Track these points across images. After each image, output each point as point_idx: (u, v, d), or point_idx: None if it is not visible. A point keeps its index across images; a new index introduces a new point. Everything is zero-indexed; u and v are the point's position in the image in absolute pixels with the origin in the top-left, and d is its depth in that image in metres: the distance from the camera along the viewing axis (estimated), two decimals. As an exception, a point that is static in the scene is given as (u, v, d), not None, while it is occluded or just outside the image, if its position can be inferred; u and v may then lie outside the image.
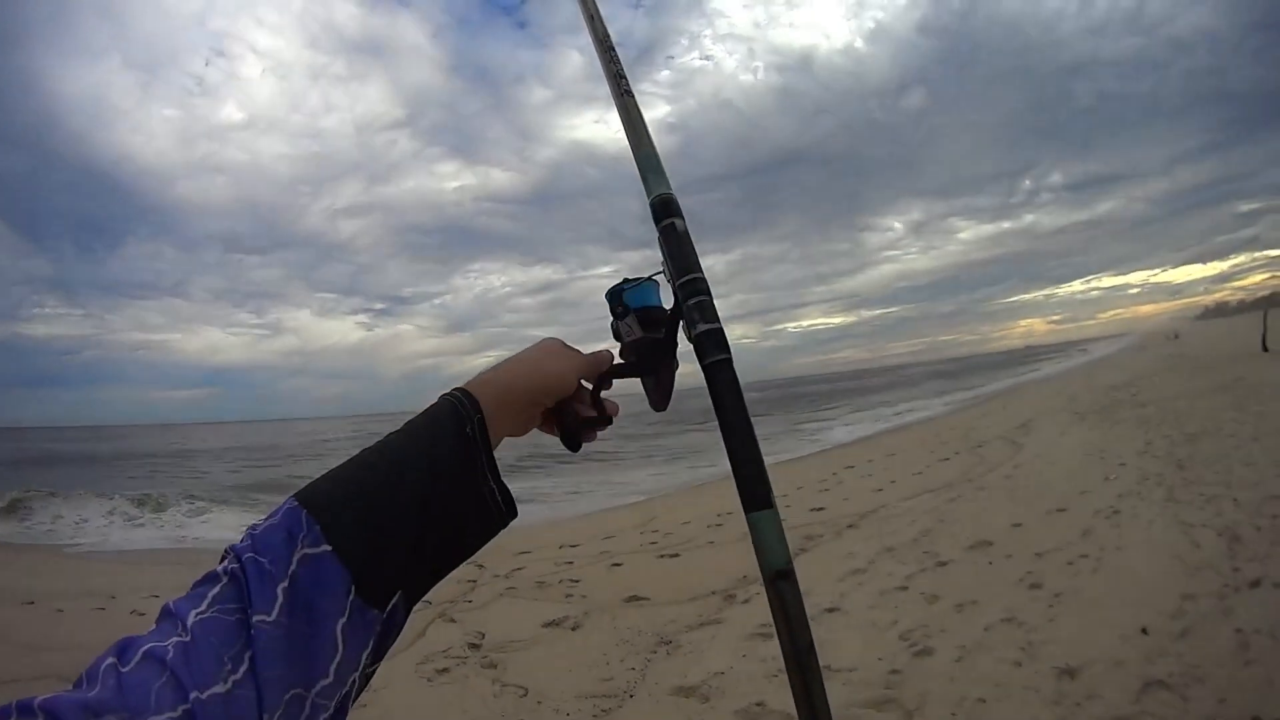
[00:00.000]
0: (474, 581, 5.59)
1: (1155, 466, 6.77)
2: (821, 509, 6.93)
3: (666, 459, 16.56)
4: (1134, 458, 7.31)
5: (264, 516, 0.51)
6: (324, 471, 0.54)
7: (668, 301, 0.76)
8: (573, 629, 4.36)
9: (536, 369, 0.66)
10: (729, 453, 0.63)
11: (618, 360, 0.79)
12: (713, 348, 0.67)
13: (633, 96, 0.94)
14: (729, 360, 0.66)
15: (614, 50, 1.01)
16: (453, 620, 4.71)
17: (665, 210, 0.80)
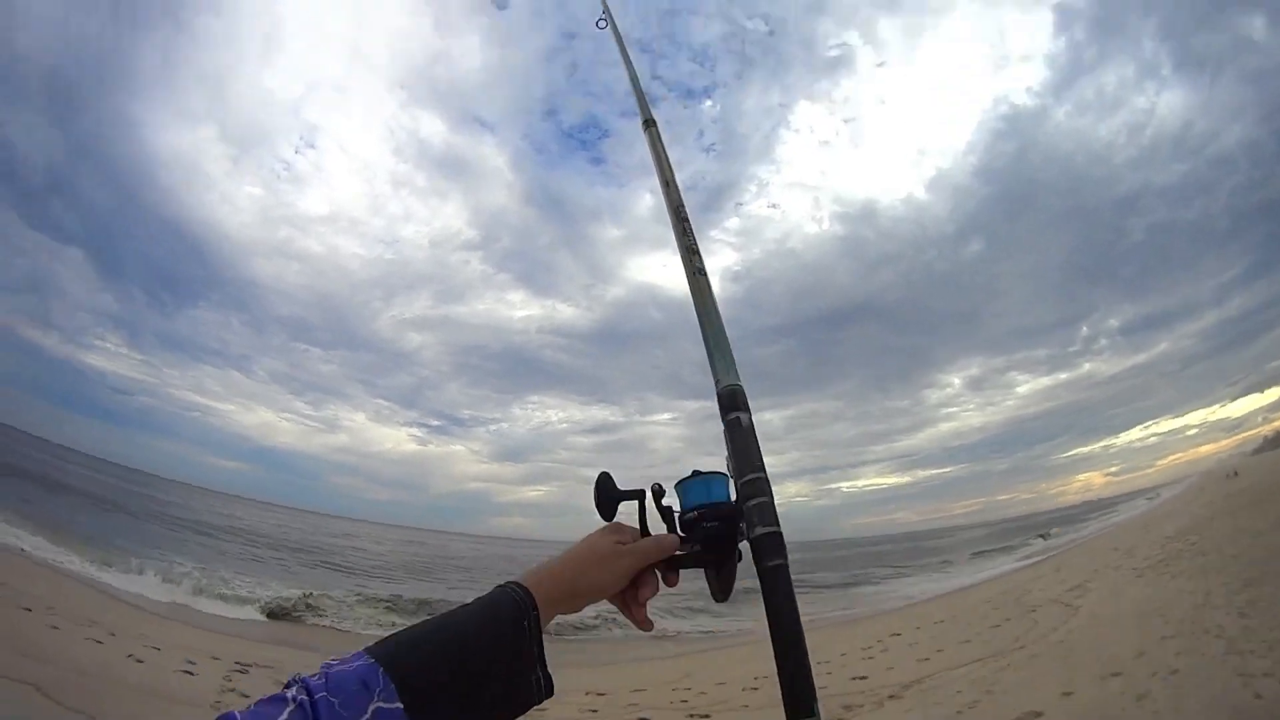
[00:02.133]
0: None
1: (1216, 618, 6.40)
2: (864, 677, 6.59)
3: (712, 614, 15.70)
4: (1193, 611, 6.91)
5: (337, 659, 0.60)
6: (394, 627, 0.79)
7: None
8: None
9: (586, 572, 0.73)
10: (776, 657, 0.67)
11: (681, 550, 0.82)
12: (771, 551, 0.69)
13: (705, 276, 1.03)
14: (785, 566, 0.69)
15: (688, 223, 1.14)
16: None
17: (732, 403, 0.82)
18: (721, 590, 0.80)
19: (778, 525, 0.69)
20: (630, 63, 2.05)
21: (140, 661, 5.29)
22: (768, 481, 0.71)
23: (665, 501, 0.83)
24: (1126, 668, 5.49)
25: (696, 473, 0.80)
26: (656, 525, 0.82)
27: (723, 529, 0.77)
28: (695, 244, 1.06)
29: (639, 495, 0.83)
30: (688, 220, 1.11)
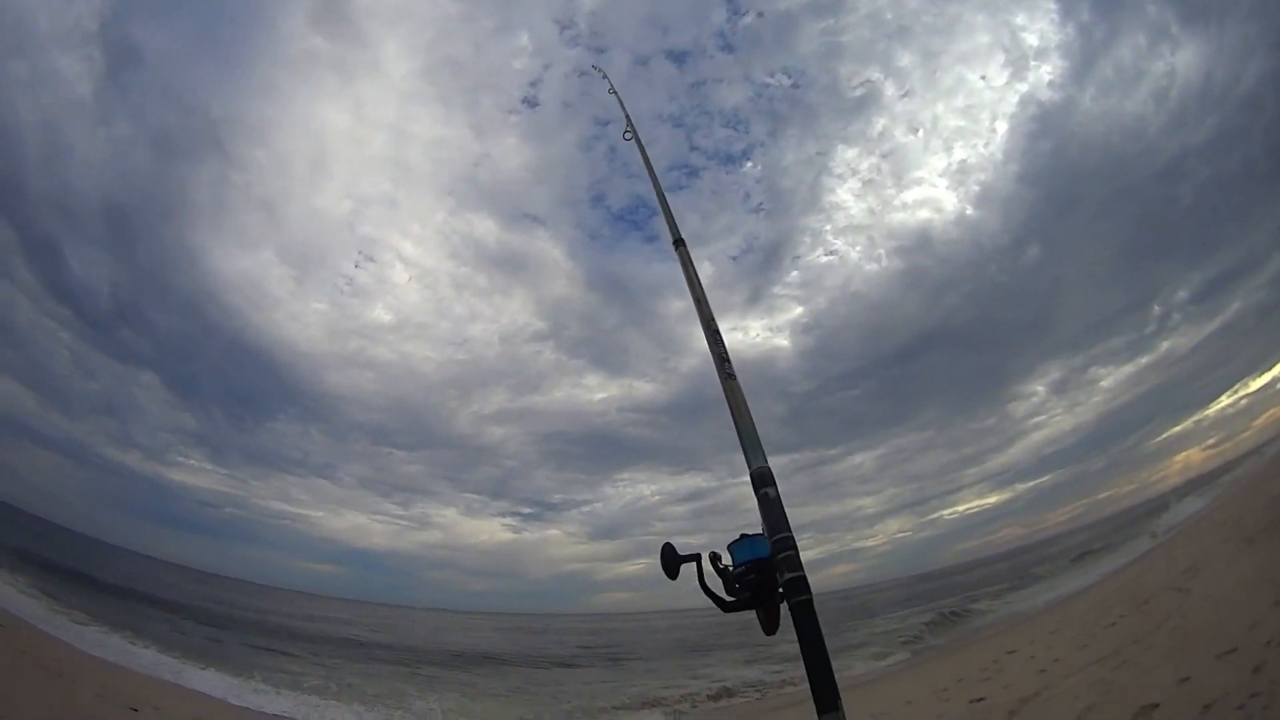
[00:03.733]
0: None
1: (1325, 580, 6.32)
2: (982, 699, 6.65)
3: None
4: (1302, 576, 6.80)
5: None
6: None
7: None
8: None
9: None
10: (805, 661, 0.98)
11: (733, 597, 1.05)
12: (796, 591, 1.01)
13: (735, 379, 1.33)
14: (810, 600, 1.01)
15: (720, 334, 1.52)
16: None
17: (762, 481, 1.17)
18: (769, 626, 1.09)
19: (802, 570, 1.04)
20: (656, 179, 2.62)
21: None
22: (793, 538, 1.04)
23: (723, 561, 1.15)
24: (1241, 641, 5.51)
25: (743, 535, 1.14)
26: (714, 581, 1.11)
27: (763, 579, 1.06)
28: (725, 352, 1.59)
29: (695, 558, 1.13)
30: (719, 332, 1.64)
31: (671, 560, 1.20)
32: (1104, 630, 8.58)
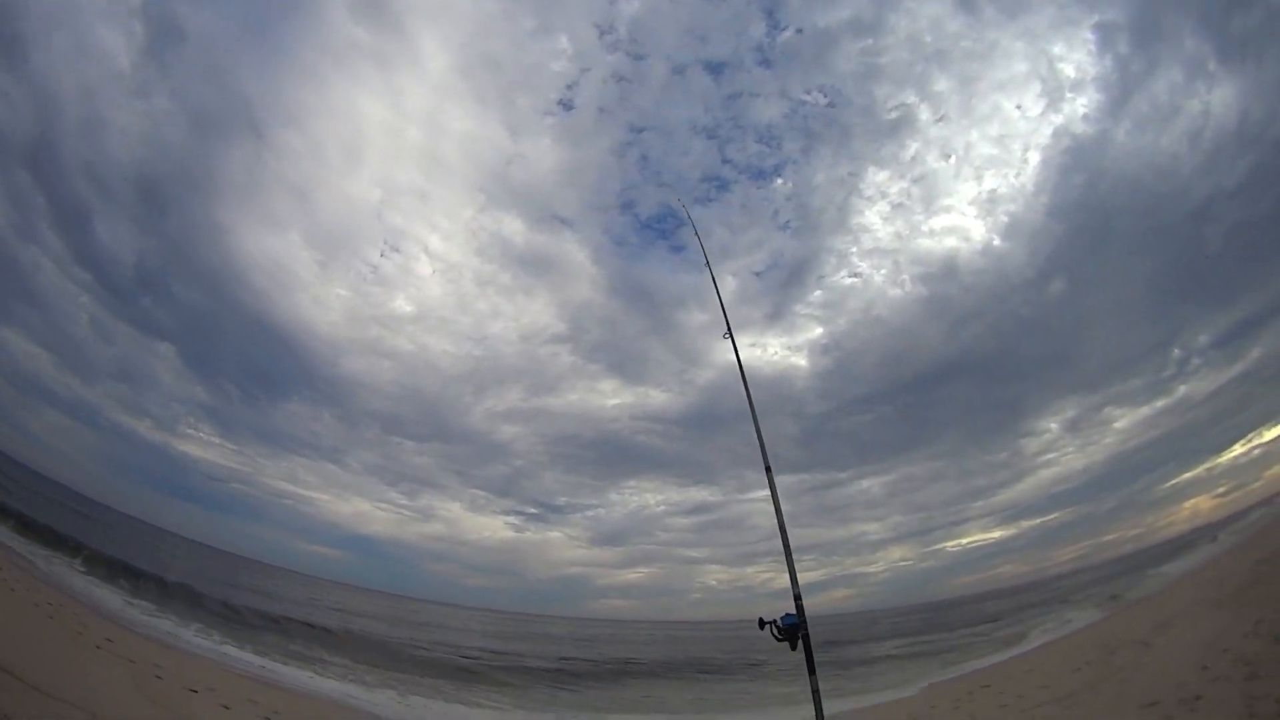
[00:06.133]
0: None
1: (1253, 647, 7.32)
2: (948, 727, 7.79)
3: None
4: (1238, 640, 7.80)
5: None
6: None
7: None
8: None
9: None
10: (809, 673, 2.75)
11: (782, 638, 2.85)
12: (800, 635, 2.94)
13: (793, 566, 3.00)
14: (808, 635, 2.95)
15: (765, 448, 3.17)
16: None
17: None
18: (791, 646, 3.00)
19: (804, 622, 2.98)
20: (756, 418, 3.92)
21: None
22: (803, 610, 2.94)
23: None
24: (1162, 697, 6.60)
25: (788, 615, 3.05)
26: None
27: (794, 629, 3.00)
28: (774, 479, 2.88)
29: (760, 622, 3.13)
30: (765, 447, 2.87)
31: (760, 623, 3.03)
32: (1069, 674, 9.64)
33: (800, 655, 2.95)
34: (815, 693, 2.74)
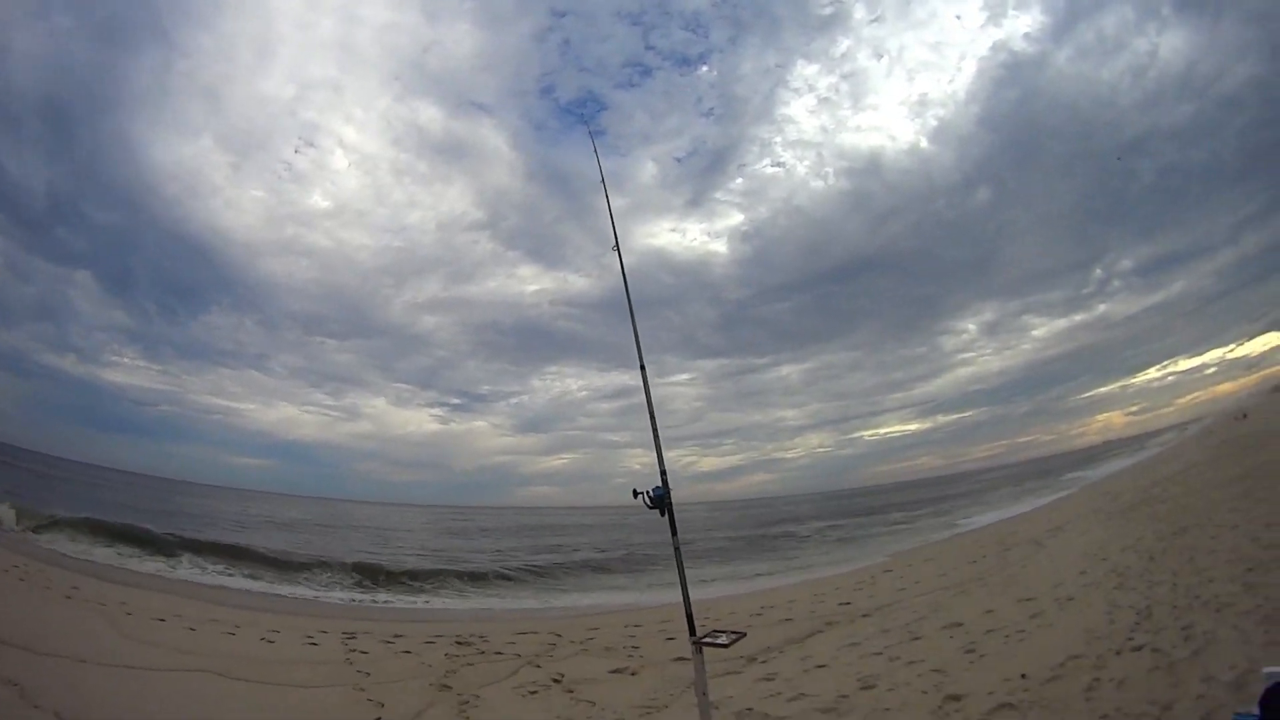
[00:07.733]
0: (553, 644, 7.62)
1: (1128, 560, 8.10)
2: (848, 603, 8.60)
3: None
4: (1117, 553, 8.62)
5: None
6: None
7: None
8: (631, 674, 6.31)
9: None
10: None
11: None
12: (666, 505, 3.05)
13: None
14: (671, 504, 3.07)
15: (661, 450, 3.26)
16: (538, 666, 6.74)
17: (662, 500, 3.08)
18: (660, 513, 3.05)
19: (668, 493, 3.07)
20: (634, 317, 3.81)
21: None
22: (668, 483, 3.05)
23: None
24: (1039, 593, 7.31)
25: (657, 487, 3.04)
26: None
27: (661, 499, 3.04)
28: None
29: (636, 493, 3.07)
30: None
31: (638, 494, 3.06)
32: (966, 565, 10.62)
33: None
34: (676, 550, 3.19)
